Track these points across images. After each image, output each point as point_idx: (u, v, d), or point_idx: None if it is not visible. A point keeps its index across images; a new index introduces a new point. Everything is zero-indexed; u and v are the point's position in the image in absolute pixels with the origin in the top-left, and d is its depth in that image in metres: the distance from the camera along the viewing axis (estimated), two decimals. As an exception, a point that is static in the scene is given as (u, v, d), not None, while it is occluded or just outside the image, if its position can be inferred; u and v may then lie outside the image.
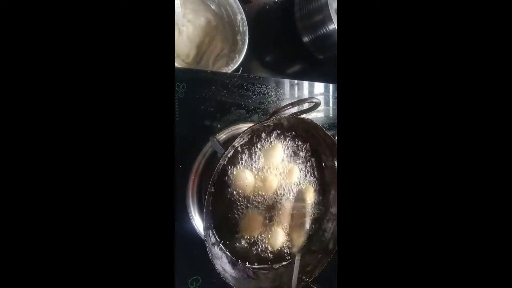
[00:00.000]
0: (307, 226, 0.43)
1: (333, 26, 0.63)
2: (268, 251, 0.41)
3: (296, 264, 0.35)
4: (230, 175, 0.38)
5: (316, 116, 0.60)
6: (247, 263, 0.39)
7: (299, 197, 0.42)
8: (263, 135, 0.40)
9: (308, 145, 0.43)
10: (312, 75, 0.77)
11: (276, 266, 0.41)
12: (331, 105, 0.63)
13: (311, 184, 0.43)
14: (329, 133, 0.39)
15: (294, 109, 0.37)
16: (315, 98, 0.36)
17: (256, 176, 0.39)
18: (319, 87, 0.61)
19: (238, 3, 0.58)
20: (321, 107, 0.61)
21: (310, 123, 0.38)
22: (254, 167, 0.39)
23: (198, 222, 0.44)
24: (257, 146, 0.40)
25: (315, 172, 0.44)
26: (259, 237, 0.40)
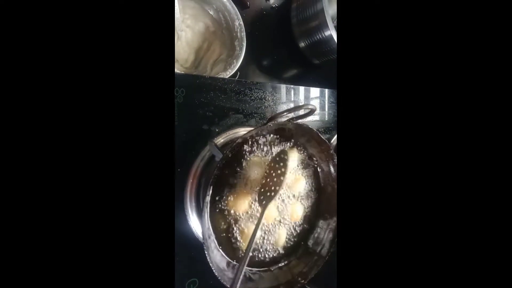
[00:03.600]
0: (300, 228, 0.44)
1: (329, 32, 0.64)
2: (265, 253, 0.41)
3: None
4: (227, 180, 0.39)
5: (312, 120, 0.61)
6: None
7: (294, 200, 0.43)
8: (260, 140, 0.41)
9: (303, 149, 0.44)
10: (308, 80, 0.78)
11: (273, 268, 0.42)
12: (326, 109, 0.64)
13: (307, 187, 0.44)
14: (324, 137, 0.40)
15: (290, 114, 0.38)
16: (310, 104, 0.37)
17: (253, 181, 0.40)
18: (315, 92, 0.62)
19: (236, 9, 0.59)
20: (317, 111, 0.62)
21: (305, 128, 0.39)
22: (251, 171, 0.40)
23: (196, 225, 0.44)
24: (253, 151, 0.41)
25: (311, 176, 0.45)
26: (256, 240, 0.41)
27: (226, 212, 0.39)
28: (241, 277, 0.29)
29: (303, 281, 0.39)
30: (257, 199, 0.39)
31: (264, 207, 0.37)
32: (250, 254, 0.32)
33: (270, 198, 0.37)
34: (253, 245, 0.33)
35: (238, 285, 0.30)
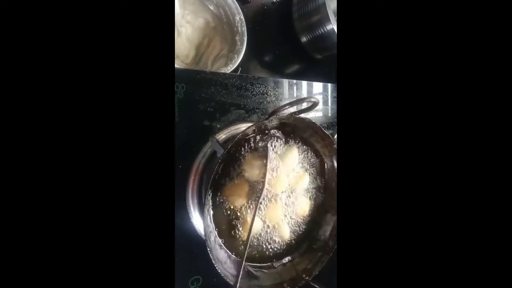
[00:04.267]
0: (304, 224, 0.43)
1: (331, 26, 0.63)
2: (269, 250, 0.41)
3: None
4: (229, 176, 0.38)
5: (315, 115, 0.61)
6: (247, 262, 0.39)
7: (298, 195, 0.42)
8: (262, 135, 0.40)
9: (306, 144, 0.43)
10: (310, 75, 0.77)
11: (276, 264, 0.42)
12: (329, 104, 0.63)
13: (310, 182, 0.44)
14: (327, 132, 0.39)
15: (293, 109, 0.38)
16: (313, 97, 0.36)
17: (255, 176, 0.40)
18: (317, 86, 0.62)
19: (237, 4, 0.58)
20: (320, 106, 0.61)
21: (308, 123, 0.38)
22: (253, 167, 0.40)
23: (198, 222, 0.44)
24: (255, 146, 0.40)
25: (314, 171, 0.44)
26: (259, 236, 0.40)
27: (228, 208, 0.38)
28: (242, 272, 0.29)
29: (307, 277, 0.38)
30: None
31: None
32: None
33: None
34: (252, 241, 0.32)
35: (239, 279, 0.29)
